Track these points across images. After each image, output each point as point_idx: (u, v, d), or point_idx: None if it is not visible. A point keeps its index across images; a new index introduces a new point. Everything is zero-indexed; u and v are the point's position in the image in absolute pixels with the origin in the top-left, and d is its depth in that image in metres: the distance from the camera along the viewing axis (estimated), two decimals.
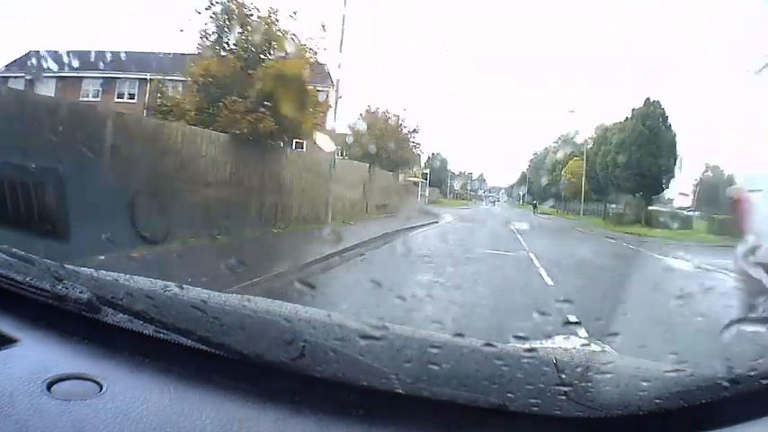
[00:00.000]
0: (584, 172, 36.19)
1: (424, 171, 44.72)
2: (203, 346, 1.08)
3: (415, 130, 27.79)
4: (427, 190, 42.24)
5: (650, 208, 31.31)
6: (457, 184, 55.95)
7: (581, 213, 37.74)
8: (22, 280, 1.23)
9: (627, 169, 31.52)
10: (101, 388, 0.97)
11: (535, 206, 42.82)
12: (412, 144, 28.61)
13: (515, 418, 0.95)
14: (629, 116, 33.42)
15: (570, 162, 40.33)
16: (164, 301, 1.20)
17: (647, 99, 32.78)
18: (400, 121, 27.27)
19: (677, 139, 32.48)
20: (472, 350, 1.04)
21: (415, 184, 37.49)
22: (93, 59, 24.87)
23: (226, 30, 12.57)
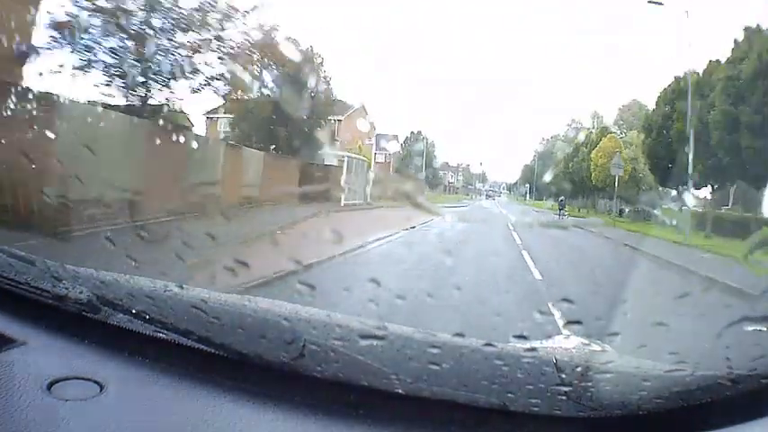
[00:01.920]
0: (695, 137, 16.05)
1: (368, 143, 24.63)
2: (203, 346, 1.08)
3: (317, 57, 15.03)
4: (368, 179, 20.84)
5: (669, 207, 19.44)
6: (452, 177, 48.30)
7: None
8: (23, 280, 1.23)
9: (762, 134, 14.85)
10: (101, 388, 0.97)
11: (562, 205, 25.09)
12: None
13: (515, 418, 0.95)
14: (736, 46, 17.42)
15: (604, 141, 25.80)
16: (164, 301, 1.20)
17: None
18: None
19: None
20: (472, 350, 1.04)
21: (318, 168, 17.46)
22: None
23: None
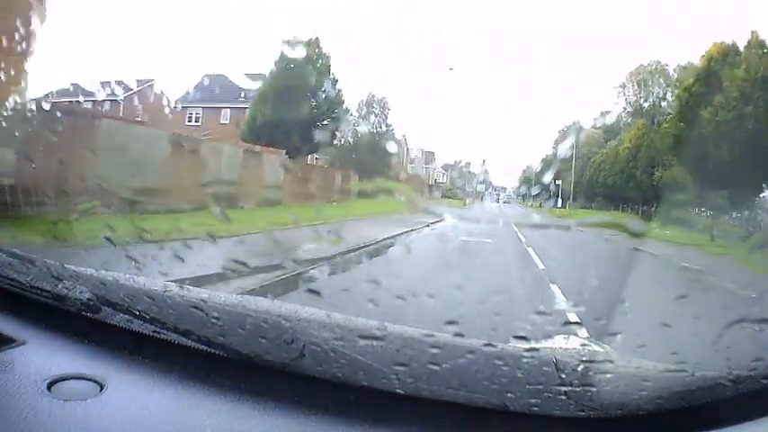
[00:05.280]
0: None
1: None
2: (203, 346, 1.08)
3: None
4: None
5: None
6: (444, 177, 41.07)
7: None
8: (23, 280, 1.23)
9: None
10: (101, 388, 0.97)
11: None
12: None
13: (515, 418, 0.95)
14: None
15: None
16: (164, 301, 1.20)
17: None
18: None
19: None
20: (472, 350, 1.04)
21: None
22: None
23: None
